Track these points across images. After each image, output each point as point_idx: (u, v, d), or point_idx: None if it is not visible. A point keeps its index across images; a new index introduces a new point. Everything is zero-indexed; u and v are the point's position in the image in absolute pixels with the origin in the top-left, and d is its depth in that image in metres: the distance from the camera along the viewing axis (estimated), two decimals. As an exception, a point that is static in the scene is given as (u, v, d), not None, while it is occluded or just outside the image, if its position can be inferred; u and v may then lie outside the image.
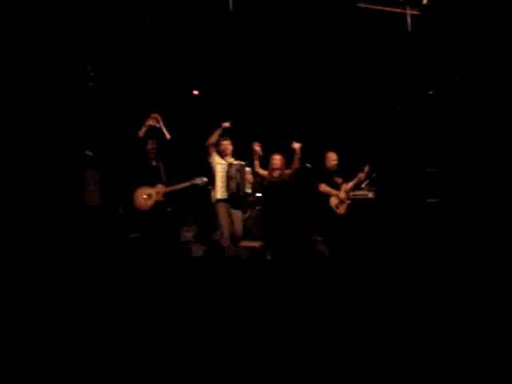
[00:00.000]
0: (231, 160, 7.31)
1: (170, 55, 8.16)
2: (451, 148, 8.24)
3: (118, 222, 7.91)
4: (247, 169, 7.32)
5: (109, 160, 8.18)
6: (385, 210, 7.91)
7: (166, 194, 7.33)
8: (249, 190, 7.36)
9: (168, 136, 7.20)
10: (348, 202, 7.50)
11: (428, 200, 8.22)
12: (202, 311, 3.46)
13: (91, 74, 7.80)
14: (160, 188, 7.31)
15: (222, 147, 7.28)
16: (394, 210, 8.25)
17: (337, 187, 7.55)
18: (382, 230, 7.56)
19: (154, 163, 7.35)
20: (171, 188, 7.36)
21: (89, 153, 7.89)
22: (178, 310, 3.51)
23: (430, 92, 8.39)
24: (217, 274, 4.14)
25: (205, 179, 7.28)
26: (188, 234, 8.68)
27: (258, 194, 8.89)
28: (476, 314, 3.30)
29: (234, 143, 7.32)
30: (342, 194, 7.42)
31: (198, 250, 6.23)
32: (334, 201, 7.51)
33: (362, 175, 7.39)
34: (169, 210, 7.79)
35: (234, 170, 7.15)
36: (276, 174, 7.44)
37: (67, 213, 7.21)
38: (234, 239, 7.07)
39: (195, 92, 9.09)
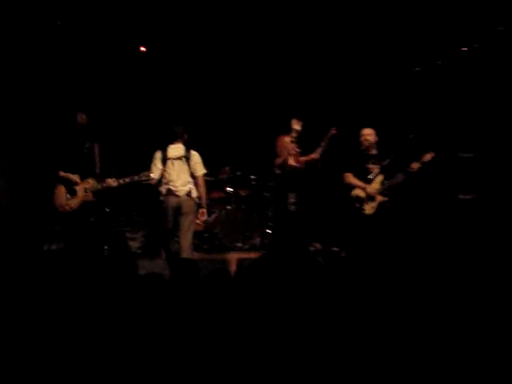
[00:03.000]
0: None
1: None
2: (494, 126, 8.11)
3: (34, 228, 7.50)
4: None
5: (21, 144, 7.82)
6: (404, 210, 7.56)
7: (97, 192, 6.85)
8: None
9: None
10: (380, 199, 7.13)
11: (460, 196, 8.02)
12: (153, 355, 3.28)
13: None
14: (90, 183, 6.82)
15: None
16: (415, 210, 7.93)
17: (366, 175, 7.21)
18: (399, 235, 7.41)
19: (85, 147, 6.93)
20: (104, 185, 6.81)
21: None
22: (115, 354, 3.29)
23: (464, 48, 8.29)
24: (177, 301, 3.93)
25: (152, 175, 6.69)
26: (133, 244, 8.33)
27: (229, 189, 8.67)
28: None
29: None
30: (373, 188, 7.11)
31: (147, 265, 6.01)
32: (358, 194, 7.19)
33: (415, 165, 6.90)
34: (106, 210, 7.48)
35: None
36: (292, 161, 7.56)
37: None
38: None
39: (142, 48, 8.85)
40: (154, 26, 8.58)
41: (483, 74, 8.24)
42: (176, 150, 6.74)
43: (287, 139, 7.53)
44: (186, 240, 6.71)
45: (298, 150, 7.56)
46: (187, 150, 6.77)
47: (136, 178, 6.71)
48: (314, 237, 8.11)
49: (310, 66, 9.09)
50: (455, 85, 8.30)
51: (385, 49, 8.70)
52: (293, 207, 7.41)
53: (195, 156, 6.80)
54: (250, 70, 9.10)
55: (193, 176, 6.76)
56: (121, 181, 6.75)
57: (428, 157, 6.89)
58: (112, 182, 6.74)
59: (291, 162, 7.56)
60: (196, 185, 6.77)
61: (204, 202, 6.84)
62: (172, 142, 6.76)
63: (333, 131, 7.42)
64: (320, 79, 9.13)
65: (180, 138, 6.76)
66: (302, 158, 7.61)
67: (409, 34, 8.38)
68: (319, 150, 7.56)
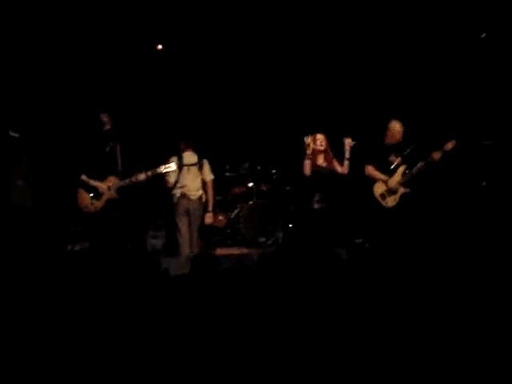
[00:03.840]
0: None
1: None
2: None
3: (56, 229, 7.55)
4: None
5: (42, 143, 7.82)
6: (427, 200, 7.41)
7: (120, 189, 6.85)
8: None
9: None
10: (402, 190, 7.01)
11: (483, 184, 7.88)
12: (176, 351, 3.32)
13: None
14: (113, 181, 6.82)
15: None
16: (439, 199, 7.77)
17: (388, 168, 7.14)
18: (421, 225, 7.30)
19: (107, 148, 6.94)
20: (128, 181, 6.81)
21: (14, 134, 7.60)
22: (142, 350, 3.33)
23: (483, 34, 8.04)
24: (199, 297, 3.93)
25: (173, 166, 6.83)
26: (156, 242, 8.44)
27: (250, 184, 8.68)
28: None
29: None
30: (394, 181, 7.04)
31: (170, 263, 6.02)
32: (379, 189, 7.15)
33: (436, 154, 6.78)
34: (129, 208, 7.49)
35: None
36: (323, 161, 7.25)
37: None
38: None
39: (159, 47, 8.78)
40: (171, 25, 8.56)
41: (505, 61, 8.02)
42: (190, 157, 7.18)
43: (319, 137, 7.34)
44: (195, 237, 7.18)
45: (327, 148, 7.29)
46: (199, 157, 7.22)
47: (157, 170, 6.81)
48: (339, 230, 8.03)
49: (329, 55, 9.02)
50: (476, 72, 8.17)
51: (405, 37, 8.52)
52: (317, 205, 7.33)
53: (206, 163, 7.27)
54: (269, 66, 9.03)
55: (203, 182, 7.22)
56: (149, 173, 6.82)
57: (450, 145, 6.76)
58: (140, 175, 6.80)
59: (320, 161, 7.30)
60: (205, 190, 7.25)
61: (211, 206, 7.34)
62: (186, 150, 7.17)
63: (350, 143, 7.18)
64: (340, 70, 8.96)
65: (191, 147, 7.21)
66: (334, 161, 7.29)
67: (430, 22, 8.24)
68: (346, 164, 7.22)
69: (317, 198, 7.26)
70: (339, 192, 7.39)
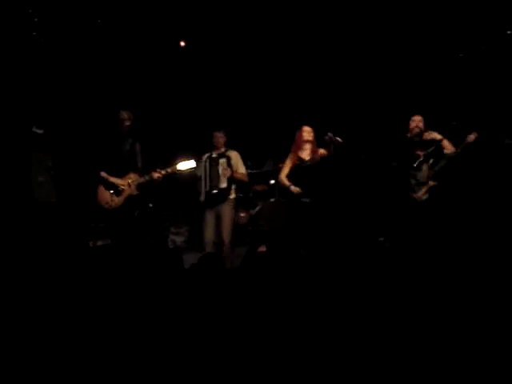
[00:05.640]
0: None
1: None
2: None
3: (80, 225, 7.61)
4: (222, 160, 7.13)
5: (65, 140, 7.91)
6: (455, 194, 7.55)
7: (140, 186, 6.84)
8: (223, 185, 7.08)
9: None
10: (430, 184, 6.98)
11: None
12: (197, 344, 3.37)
13: (35, 20, 7.54)
14: (132, 177, 6.79)
15: (213, 140, 7.27)
16: (466, 195, 7.88)
17: (412, 163, 7.03)
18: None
19: (127, 145, 6.92)
20: (148, 177, 6.79)
21: (37, 130, 7.66)
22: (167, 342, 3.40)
23: (509, 31, 7.94)
24: (218, 291, 4.00)
25: (193, 163, 6.88)
26: (177, 239, 8.59)
27: (272, 181, 8.67)
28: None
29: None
30: (422, 175, 6.95)
31: (192, 260, 6.01)
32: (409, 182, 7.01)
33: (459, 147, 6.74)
34: (150, 205, 7.55)
35: (207, 164, 7.15)
36: (307, 154, 7.25)
37: (9, 213, 7.03)
38: (220, 245, 7.07)
39: (182, 43, 8.81)
40: (193, 22, 8.56)
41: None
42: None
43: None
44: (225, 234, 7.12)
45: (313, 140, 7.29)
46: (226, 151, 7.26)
47: (177, 167, 6.85)
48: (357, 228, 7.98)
49: (350, 52, 8.92)
50: (499, 70, 8.10)
51: (427, 34, 8.38)
52: (305, 199, 7.26)
53: (236, 156, 7.27)
54: (294, 63, 9.01)
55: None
56: (163, 171, 6.80)
57: (472, 137, 6.73)
58: (156, 173, 6.77)
59: (303, 154, 7.30)
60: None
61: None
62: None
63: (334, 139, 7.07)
64: (359, 66, 8.90)
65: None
66: (321, 151, 7.26)
67: (452, 19, 8.16)
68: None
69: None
70: (327, 185, 7.41)
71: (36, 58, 7.84)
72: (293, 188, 7.08)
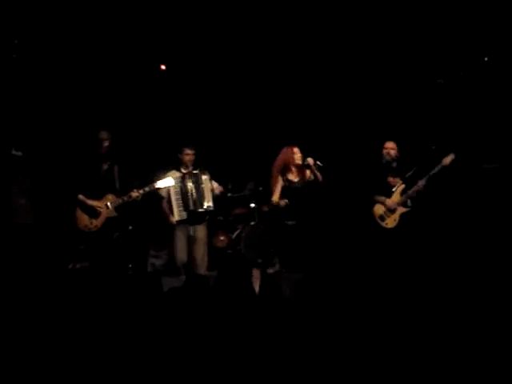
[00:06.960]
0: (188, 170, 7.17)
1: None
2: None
3: (57, 247, 7.50)
4: (204, 177, 7.13)
5: (44, 162, 7.87)
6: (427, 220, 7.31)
7: (118, 207, 6.86)
8: (209, 204, 7.11)
9: None
10: (402, 210, 7.02)
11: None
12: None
13: (15, 42, 7.53)
14: (110, 199, 6.85)
15: (183, 157, 7.14)
16: (439, 220, 7.66)
17: (388, 190, 7.12)
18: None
19: (105, 166, 6.98)
20: (126, 198, 6.80)
21: (16, 153, 7.70)
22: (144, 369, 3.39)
23: (487, 58, 8.03)
24: (201, 317, 3.95)
25: (171, 181, 6.89)
26: (157, 262, 8.39)
27: (252, 205, 8.58)
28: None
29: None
30: (392, 201, 7.00)
31: (171, 283, 6.02)
32: (378, 210, 7.11)
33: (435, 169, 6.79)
34: (129, 228, 7.52)
35: (188, 181, 7.08)
36: (295, 176, 7.35)
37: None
38: (193, 266, 7.07)
39: (162, 67, 8.83)
40: (172, 45, 8.64)
41: (506, 85, 8.09)
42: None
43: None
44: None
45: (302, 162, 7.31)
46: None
47: (154, 185, 6.84)
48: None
49: (328, 79, 9.03)
50: (478, 96, 8.20)
51: (406, 60, 8.54)
52: (290, 222, 7.35)
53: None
54: (273, 87, 9.10)
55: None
56: (141, 190, 6.81)
57: (448, 159, 6.76)
58: (134, 193, 6.77)
59: (291, 176, 7.38)
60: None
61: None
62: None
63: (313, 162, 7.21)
64: (339, 92, 8.97)
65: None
66: (308, 171, 7.32)
67: (430, 45, 8.29)
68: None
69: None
70: (313, 207, 7.46)
71: (14, 80, 7.84)
72: (282, 202, 7.21)
